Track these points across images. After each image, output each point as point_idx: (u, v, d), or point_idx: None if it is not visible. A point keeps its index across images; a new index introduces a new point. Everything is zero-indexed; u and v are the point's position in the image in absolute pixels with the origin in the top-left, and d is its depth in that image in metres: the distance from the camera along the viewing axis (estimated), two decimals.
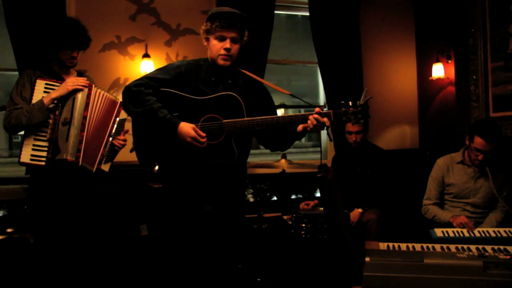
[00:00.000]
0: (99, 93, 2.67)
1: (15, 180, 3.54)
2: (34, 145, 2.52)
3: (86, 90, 2.60)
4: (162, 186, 2.38)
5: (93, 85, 2.64)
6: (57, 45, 2.62)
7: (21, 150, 2.51)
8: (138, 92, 2.17)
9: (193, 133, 2.12)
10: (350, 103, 2.15)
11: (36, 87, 2.55)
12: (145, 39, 3.86)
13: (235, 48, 2.25)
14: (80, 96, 2.58)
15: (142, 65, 3.73)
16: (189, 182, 2.26)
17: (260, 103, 2.35)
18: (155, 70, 2.30)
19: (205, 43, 2.30)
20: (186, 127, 2.12)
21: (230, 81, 2.30)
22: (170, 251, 2.36)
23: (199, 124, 2.20)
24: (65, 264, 2.64)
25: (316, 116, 2.12)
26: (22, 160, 2.50)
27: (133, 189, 3.47)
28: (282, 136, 2.38)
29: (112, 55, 3.81)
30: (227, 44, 2.20)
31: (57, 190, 2.61)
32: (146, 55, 3.75)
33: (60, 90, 2.54)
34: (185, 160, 2.21)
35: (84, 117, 2.58)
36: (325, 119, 2.12)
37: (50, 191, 2.60)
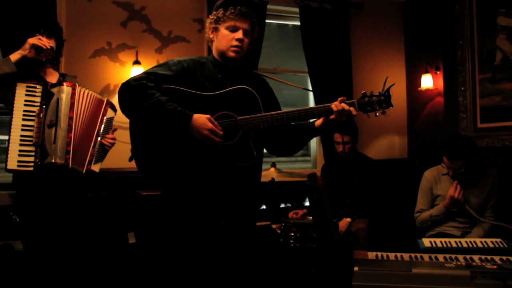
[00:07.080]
0: (84, 92, 2.61)
1: (0, 186, 3.48)
2: (20, 150, 2.44)
3: (70, 89, 2.54)
4: (163, 195, 2.09)
5: (77, 84, 2.59)
6: (22, 30, 2.53)
7: (7, 157, 2.43)
8: (140, 86, 1.89)
9: (209, 125, 1.85)
10: (372, 93, 2.02)
11: (17, 91, 2.45)
12: (136, 45, 3.86)
13: (246, 42, 2.04)
14: (64, 97, 2.51)
15: (132, 72, 3.72)
16: (202, 190, 1.97)
17: (269, 103, 2.13)
18: (154, 66, 2.05)
19: (211, 35, 2.08)
20: (202, 118, 1.85)
21: (238, 79, 2.08)
22: (175, 268, 2.05)
23: None
24: (53, 271, 2.59)
25: (343, 104, 1.94)
26: (9, 167, 2.42)
27: (123, 196, 3.43)
28: (297, 135, 2.14)
29: (102, 61, 3.80)
30: (239, 34, 2.00)
31: (46, 195, 2.55)
32: (137, 62, 3.74)
33: (22, 49, 2.46)
34: (199, 163, 1.93)
35: (70, 118, 2.52)
36: (352, 108, 1.95)
37: (39, 197, 2.54)
